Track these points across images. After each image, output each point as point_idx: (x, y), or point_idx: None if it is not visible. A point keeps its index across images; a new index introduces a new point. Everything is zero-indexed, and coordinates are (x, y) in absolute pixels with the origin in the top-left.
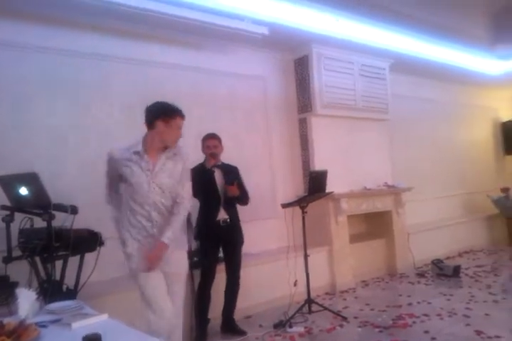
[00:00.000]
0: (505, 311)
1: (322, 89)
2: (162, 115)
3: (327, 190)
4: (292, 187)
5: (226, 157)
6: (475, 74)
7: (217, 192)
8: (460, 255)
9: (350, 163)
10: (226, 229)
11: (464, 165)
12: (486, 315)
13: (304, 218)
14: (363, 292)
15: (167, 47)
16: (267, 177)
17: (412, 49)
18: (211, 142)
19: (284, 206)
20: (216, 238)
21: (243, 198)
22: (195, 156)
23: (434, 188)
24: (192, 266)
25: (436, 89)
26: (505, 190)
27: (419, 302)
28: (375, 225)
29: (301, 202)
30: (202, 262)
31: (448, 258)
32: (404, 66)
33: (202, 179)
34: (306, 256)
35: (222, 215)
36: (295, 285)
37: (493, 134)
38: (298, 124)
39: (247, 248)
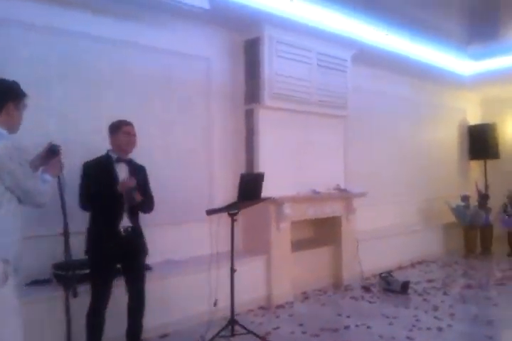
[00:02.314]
0: None
1: (272, 77)
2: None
3: (265, 195)
4: (233, 187)
5: (151, 147)
6: (445, 72)
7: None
8: (412, 265)
9: (300, 162)
10: (128, 239)
11: (425, 169)
12: None
13: (232, 227)
14: (300, 308)
15: (96, 16)
16: (203, 175)
17: (378, 40)
18: (131, 129)
19: (210, 213)
20: (114, 251)
21: (147, 204)
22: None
23: (390, 192)
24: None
25: (401, 86)
26: (465, 198)
27: (357, 326)
28: (322, 231)
29: (230, 209)
30: (93, 280)
31: (399, 268)
32: (368, 58)
33: (102, 176)
34: (232, 271)
35: (125, 222)
36: (215, 305)
37: (459, 137)
38: (244, 116)
39: (170, 253)
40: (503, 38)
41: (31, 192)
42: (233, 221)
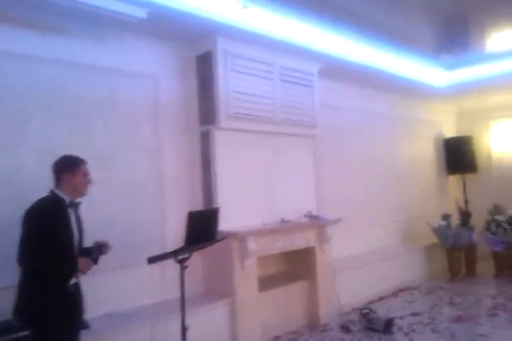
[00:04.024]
0: None
1: (229, 95)
2: None
3: (227, 227)
4: None
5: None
6: (418, 84)
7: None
8: (394, 294)
9: (266, 189)
10: (75, 296)
11: (402, 187)
12: None
13: (182, 276)
14: None
15: (16, 30)
16: (152, 210)
17: (346, 51)
18: (87, 168)
19: (152, 260)
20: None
21: None
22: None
23: (365, 215)
24: None
25: (373, 100)
26: (446, 217)
27: None
28: (294, 264)
29: (176, 255)
30: None
31: (381, 298)
32: (336, 71)
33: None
34: (183, 329)
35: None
36: None
37: (436, 152)
38: (200, 140)
39: (112, 306)
40: (476, 47)
41: None
42: (183, 268)
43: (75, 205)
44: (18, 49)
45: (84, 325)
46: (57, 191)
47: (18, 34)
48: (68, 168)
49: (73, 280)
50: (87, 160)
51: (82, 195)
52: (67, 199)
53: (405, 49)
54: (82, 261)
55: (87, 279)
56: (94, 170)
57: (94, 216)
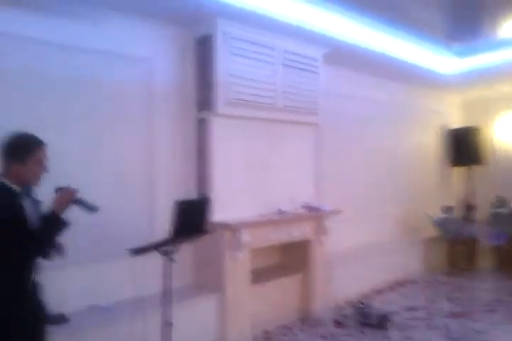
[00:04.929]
0: None
1: (228, 80)
2: None
3: (221, 218)
4: None
5: (72, 170)
6: (426, 71)
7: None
8: (391, 288)
9: (263, 178)
10: (37, 294)
11: (404, 178)
12: None
13: (167, 268)
14: None
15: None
16: (142, 200)
17: (352, 35)
18: (44, 152)
19: (135, 252)
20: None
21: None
22: None
23: (364, 206)
24: None
25: (378, 88)
26: (448, 209)
27: None
28: (289, 257)
29: (160, 247)
30: None
31: (377, 292)
32: (341, 57)
33: (13, 212)
34: (167, 324)
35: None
36: None
37: (441, 143)
38: (196, 127)
39: (94, 299)
40: (488, 34)
41: None
42: (169, 261)
43: (27, 192)
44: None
45: (60, 319)
46: (4, 179)
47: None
48: (17, 152)
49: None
50: (70, 146)
51: (34, 185)
52: (16, 188)
53: (414, 34)
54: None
55: (69, 270)
56: (79, 157)
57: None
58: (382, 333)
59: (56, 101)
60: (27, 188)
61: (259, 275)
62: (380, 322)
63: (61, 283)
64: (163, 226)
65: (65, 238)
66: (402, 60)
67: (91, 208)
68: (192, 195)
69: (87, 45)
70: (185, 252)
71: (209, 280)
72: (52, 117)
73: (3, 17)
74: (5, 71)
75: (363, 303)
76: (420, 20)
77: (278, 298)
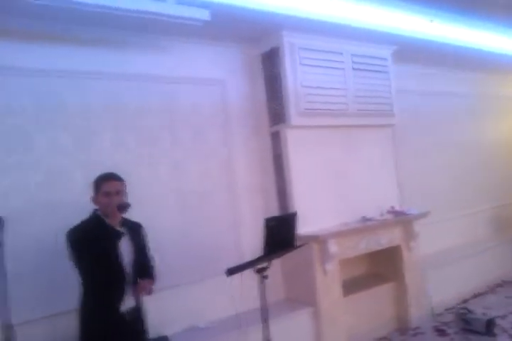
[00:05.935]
0: None
1: (297, 90)
2: None
3: (306, 231)
4: None
5: (163, 193)
6: (504, 57)
7: (123, 266)
8: (491, 290)
9: (343, 186)
10: (132, 322)
11: (489, 172)
12: None
13: (262, 285)
14: None
15: (69, 48)
16: (225, 219)
17: (421, 30)
18: (113, 185)
19: (231, 272)
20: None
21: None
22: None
23: (453, 204)
24: None
25: (452, 81)
26: None
27: None
28: (379, 265)
29: (255, 265)
30: None
31: (476, 296)
32: (412, 53)
33: (102, 246)
34: None
35: (129, 302)
36: None
37: None
38: (270, 141)
39: (193, 320)
40: None
41: None
42: (263, 278)
43: (118, 234)
44: (74, 67)
45: None
46: (96, 210)
47: (73, 51)
48: (94, 187)
49: (130, 306)
50: (158, 171)
51: (110, 217)
52: (105, 219)
53: (485, 19)
54: (141, 284)
55: (165, 294)
56: (167, 180)
57: (169, 226)
58: (490, 340)
59: (147, 132)
60: (116, 230)
61: (351, 287)
62: (487, 328)
63: (160, 306)
64: (249, 242)
65: (159, 262)
66: (475, 48)
67: None
68: (274, 208)
69: (160, 73)
70: (274, 267)
71: (301, 294)
72: (139, 148)
73: (89, 57)
74: (92, 107)
75: (465, 309)
76: (492, 3)
77: (372, 309)
